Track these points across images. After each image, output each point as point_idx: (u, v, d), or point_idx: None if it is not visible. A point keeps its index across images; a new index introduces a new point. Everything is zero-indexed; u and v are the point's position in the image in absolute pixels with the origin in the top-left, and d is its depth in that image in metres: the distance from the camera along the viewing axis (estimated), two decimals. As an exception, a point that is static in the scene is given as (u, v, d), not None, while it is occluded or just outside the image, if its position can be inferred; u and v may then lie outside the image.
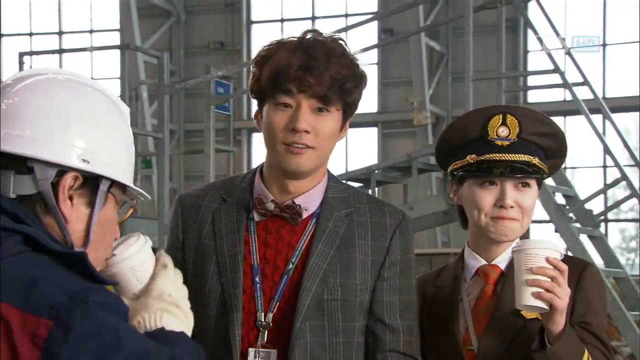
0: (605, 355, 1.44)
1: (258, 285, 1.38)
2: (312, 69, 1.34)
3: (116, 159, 1.05)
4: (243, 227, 1.40)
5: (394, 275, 1.42)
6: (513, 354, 1.42)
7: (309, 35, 1.39)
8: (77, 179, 1.01)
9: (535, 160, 1.46)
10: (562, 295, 1.32)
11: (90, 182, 1.02)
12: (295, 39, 1.39)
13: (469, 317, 1.48)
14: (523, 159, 1.45)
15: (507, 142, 1.45)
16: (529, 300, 1.33)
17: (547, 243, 1.36)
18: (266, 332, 1.37)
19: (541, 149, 1.49)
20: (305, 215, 1.41)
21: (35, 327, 0.90)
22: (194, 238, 1.42)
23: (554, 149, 1.51)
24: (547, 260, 1.34)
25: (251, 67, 1.42)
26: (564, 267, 1.34)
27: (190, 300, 1.36)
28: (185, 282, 1.37)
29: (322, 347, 1.37)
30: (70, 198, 1.01)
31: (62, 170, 1.01)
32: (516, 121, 1.46)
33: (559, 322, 1.33)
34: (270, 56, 1.37)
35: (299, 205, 1.40)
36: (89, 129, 1.03)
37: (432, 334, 1.51)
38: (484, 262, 1.50)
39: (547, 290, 1.32)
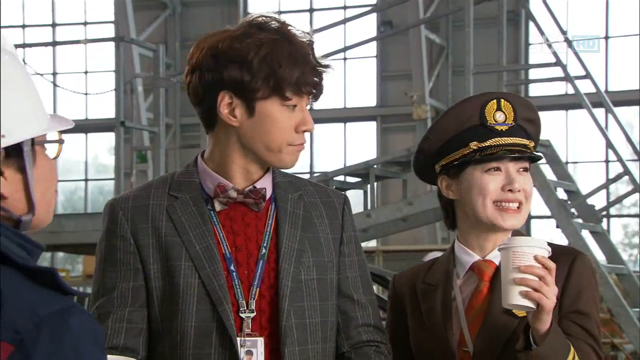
0: (594, 349, 1.41)
1: (234, 273, 1.36)
2: (320, 71, 1.37)
3: (30, 115, 0.97)
4: (208, 220, 1.37)
5: (352, 252, 1.45)
6: (510, 354, 1.38)
7: (289, 27, 1.38)
8: None
9: (531, 144, 1.48)
10: (550, 295, 1.31)
11: (14, 148, 0.96)
12: (278, 30, 1.36)
13: (463, 316, 1.44)
14: (523, 142, 1.47)
15: (505, 127, 1.46)
16: (516, 299, 1.31)
17: (535, 241, 1.34)
18: (250, 319, 1.35)
19: (528, 135, 1.50)
20: None
21: None
22: (150, 238, 1.36)
23: (534, 137, 1.51)
24: (536, 258, 1.32)
25: (236, 61, 1.34)
26: (552, 265, 1.33)
27: (158, 301, 1.31)
28: (147, 284, 1.35)
29: (304, 328, 1.38)
30: (1, 173, 0.95)
31: None
32: (510, 106, 1.48)
33: (546, 321, 1.32)
34: (272, 53, 1.33)
35: (264, 189, 1.39)
36: None
37: (422, 334, 1.47)
38: (477, 257, 1.48)
39: (535, 290, 1.30)
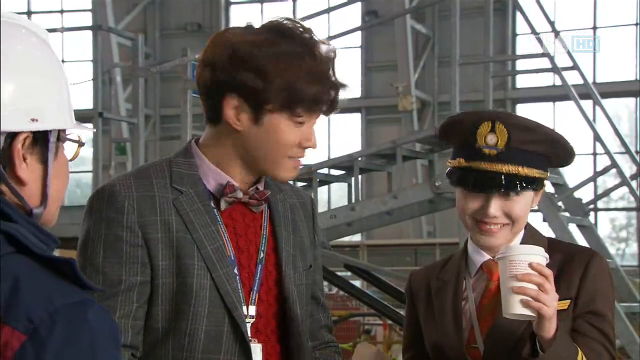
0: (608, 350, 1.41)
1: (237, 277, 1.34)
2: (338, 89, 1.32)
3: (61, 106, 0.97)
4: (214, 219, 1.33)
5: (319, 254, 1.47)
6: (520, 353, 1.38)
7: (315, 38, 1.32)
8: (27, 139, 0.95)
9: (524, 170, 1.42)
10: (549, 303, 1.31)
11: (40, 137, 0.96)
12: (302, 41, 1.30)
13: (474, 314, 1.46)
14: (510, 171, 1.42)
15: (494, 151, 1.43)
16: (516, 308, 1.32)
17: (530, 249, 1.35)
18: (249, 325, 1.33)
19: (536, 154, 1.44)
20: None
21: (8, 338, 0.86)
22: (160, 232, 1.30)
23: (552, 153, 1.46)
24: (531, 266, 1.32)
25: (252, 69, 1.28)
26: (548, 272, 1.33)
27: (164, 299, 1.29)
28: (154, 280, 1.31)
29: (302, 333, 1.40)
30: (24, 159, 0.95)
31: (11, 133, 0.94)
32: (505, 130, 1.43)
33: (549, 328, 1.32)
34: (291, 67, 1.28)
35: (269, 192, 1.37)
36: (33, 82, 0.95)
37: (434, 330, 1.49)
38: (488, 257, 1.48)
39: (534, 298, 1.30)
